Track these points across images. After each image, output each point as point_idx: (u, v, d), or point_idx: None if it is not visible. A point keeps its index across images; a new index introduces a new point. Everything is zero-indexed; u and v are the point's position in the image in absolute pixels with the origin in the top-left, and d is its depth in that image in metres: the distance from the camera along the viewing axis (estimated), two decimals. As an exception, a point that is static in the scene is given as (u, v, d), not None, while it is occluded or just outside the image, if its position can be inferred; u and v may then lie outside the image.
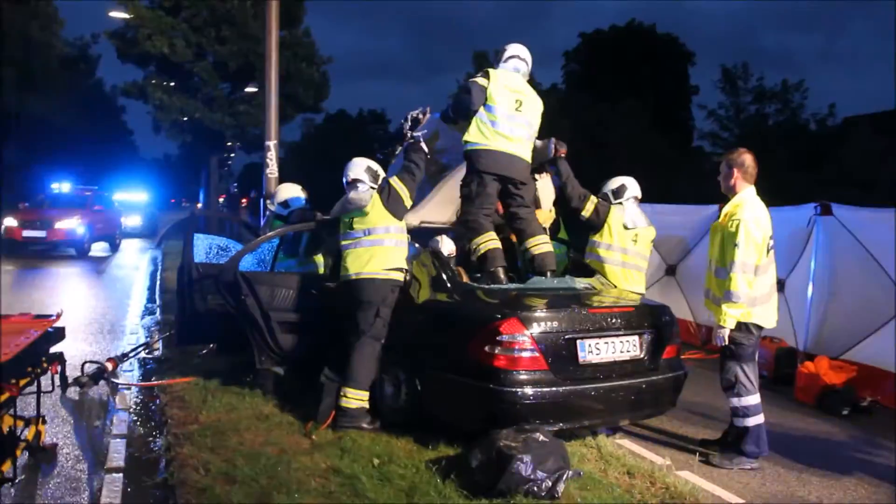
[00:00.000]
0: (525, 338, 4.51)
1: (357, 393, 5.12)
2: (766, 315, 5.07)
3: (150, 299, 11.94)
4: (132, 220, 25.81)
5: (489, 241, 5.47)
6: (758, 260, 4.91)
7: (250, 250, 6.18)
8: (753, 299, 4.94)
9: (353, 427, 5.07)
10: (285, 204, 6.69)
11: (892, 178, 25.53)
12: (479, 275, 5.52)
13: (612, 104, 33.82)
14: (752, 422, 5.03)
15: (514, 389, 4.46)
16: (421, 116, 5.60)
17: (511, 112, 5.55)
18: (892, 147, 27.63)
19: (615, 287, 5.77)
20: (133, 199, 28.07)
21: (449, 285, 5.12)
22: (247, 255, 6.06)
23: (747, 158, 5.08)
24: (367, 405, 5.17)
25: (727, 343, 4.97)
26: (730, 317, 4.89)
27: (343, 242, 5.35)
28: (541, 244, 5.61)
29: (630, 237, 5.95)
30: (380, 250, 5.22)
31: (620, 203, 6.03)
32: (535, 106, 5.75)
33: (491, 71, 5.62)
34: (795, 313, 8.08)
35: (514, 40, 6.02)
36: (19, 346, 4.26)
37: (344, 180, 5.50)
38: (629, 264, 5.95)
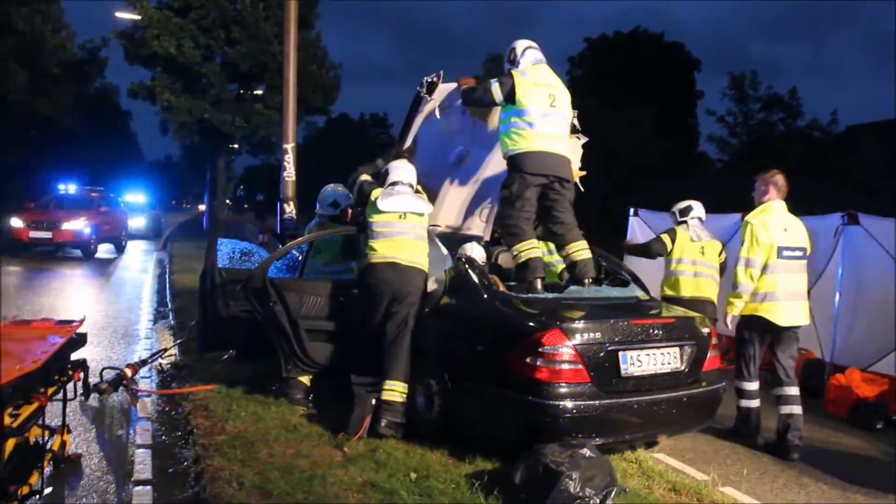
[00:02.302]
0: (568, 349, 4.38)
1: (401, 385, 5.04)
2: (777, 312, 5.55)
3: (161, 303, 11.81)
4: (137, 222, 25.69)
5: (531, 249, 5.31)
6: (766, 259, 5.54)
7: (280, 256, 6.05)
8: (762, 295, 5.55)
9: (395, 421, 5.00)
10: (335, 204, 6.56)
11: (898, 186, 25.49)
12: (513, 283, 5.38)
13: (618, 110, 33.72)
14: (751, 403, 5.74)
15: (556, 402, 4.33)
16: (436, 79, 5.74)
17: (546, 110, 5.42)
18: None
19: (650, 296, 5.66)
20: (140, 200, 27.94)
21: (486, 294, 4.99)
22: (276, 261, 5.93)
23: (780, 178, 5.74)
24: (406, 400, 5.09)
25: (735, 331, 5.76)
26: (734, 306, 5.60)
27: (385, 229, 5.41)
28: (582, 250, 5.43)
29: (697, 249, 6.66)
30: (423, 243, 5.49)
31: (686, 221, 6.82)
32: (566, 97, 5.63)
33: (514, 72, 5.47)
34: (821, 324, 7.96)
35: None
36: (47, 354, 4.13)
37: (394, 178, 5.58)
38: (701, 273, 6.61)
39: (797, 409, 5.52)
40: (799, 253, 5.69)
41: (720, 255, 6.80)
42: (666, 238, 6.76)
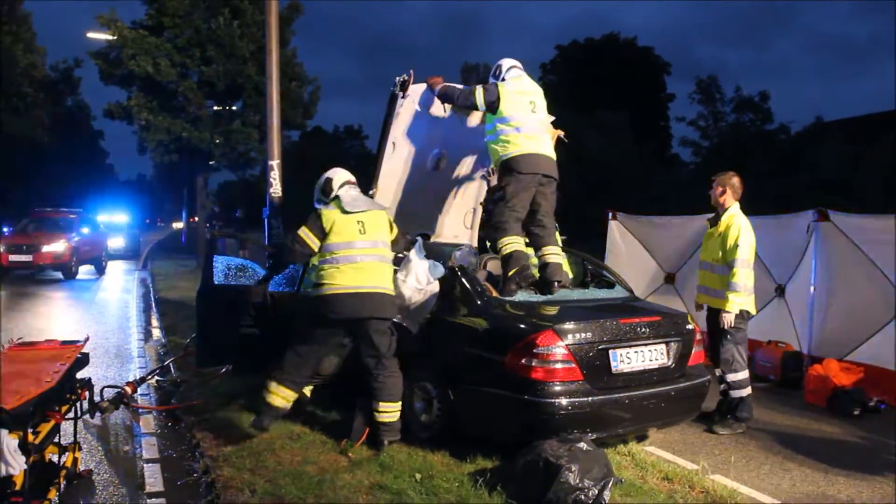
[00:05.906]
0: (561, 349, 4.60)
1: (394, 405, 5.14)
2: (753, 304, 6.19)
3: (149, 322, 11.87)
4: (116, 242, 25.58)
5: (514, 243, 5.56)
6: (751, 258, 6.02)
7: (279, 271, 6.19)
8: (750, 290, 6.03)
9: (394, 440, 5.12)
10: None
11: (865, 182, 26.21)
12: (504, 288, 5.58)
13: (590, 115, 34.24)
14: (745, 392, 6.03)
15: (551, 400, 4.54)
16: (407, 78, 6.00)
17: (528, 114, 5.84)
18: (864, 152, 28.33)
19: (635, 296, 5.92)
20: (116, 220, 27.82)
21: (479, 301, 5.19)
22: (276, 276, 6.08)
23: (736, 180, 6.19)
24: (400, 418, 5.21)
25: (731, 327, 5.91)
26: (736, 304, 5.90)
27: (344, 252, 5.03)
28: (554, 254, 5.74)
29: None
30: (388, 266, 5.22)
31: None
32: (543, 102, 6.07)
33: (500, 85, 5.87)
34: (798, 317, 8.26)
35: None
36: (59, 373, 4.26)
37: (340, 182, 5.32)
38: None
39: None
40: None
41: None
42: None
